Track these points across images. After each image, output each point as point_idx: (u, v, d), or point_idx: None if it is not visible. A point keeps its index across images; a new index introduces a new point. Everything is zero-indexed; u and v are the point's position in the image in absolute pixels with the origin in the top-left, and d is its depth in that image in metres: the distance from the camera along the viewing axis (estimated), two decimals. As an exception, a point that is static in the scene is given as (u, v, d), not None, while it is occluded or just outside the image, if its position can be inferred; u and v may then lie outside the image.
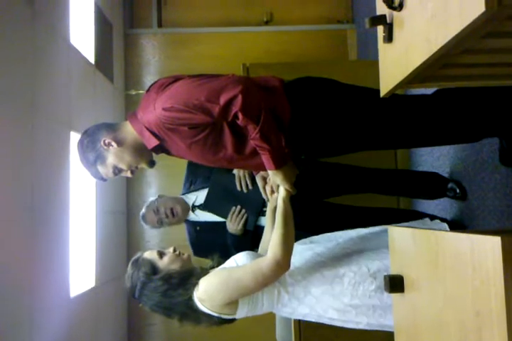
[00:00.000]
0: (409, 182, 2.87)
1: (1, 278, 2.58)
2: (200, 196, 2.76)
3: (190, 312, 1.74)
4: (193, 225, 2.78)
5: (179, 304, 1.73)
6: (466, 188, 2.77)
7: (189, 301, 1.72)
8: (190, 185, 2.81)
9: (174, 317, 1.79)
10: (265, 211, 2.57)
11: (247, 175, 2.60)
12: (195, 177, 2.80)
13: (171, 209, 2.68)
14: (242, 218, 2.61)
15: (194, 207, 2.76)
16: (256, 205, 2.61)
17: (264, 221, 2.57)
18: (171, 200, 2.74)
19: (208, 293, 1.69)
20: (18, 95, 2.88)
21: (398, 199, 3.45)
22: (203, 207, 2.72)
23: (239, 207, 2.62)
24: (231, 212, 2.62)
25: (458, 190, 2.79)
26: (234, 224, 2.61)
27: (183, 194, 2.82)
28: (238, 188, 2.61)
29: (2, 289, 2.58)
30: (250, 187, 2.60)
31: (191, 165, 2.84)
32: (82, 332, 3.68)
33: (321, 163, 2.80)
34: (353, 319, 1.75)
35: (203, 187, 2.76)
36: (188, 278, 1.76)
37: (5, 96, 2.71)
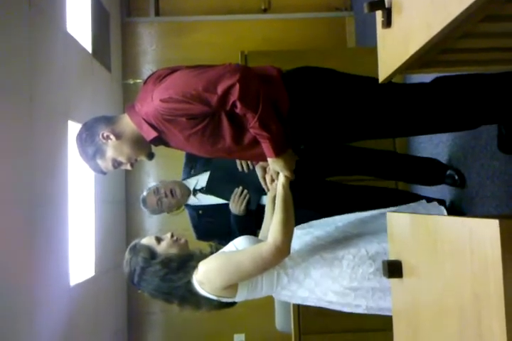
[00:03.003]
0: (408, 166, 2.87)
1: (2, 268, 2.59)
2: (200, 180, 2.77)
3: (190, 296, 1.74)
4: (195, 209, 2.79)
5: (179, 288, 1.74)
6: (465, 175, 2.77)
7: (188, 284, 1.72)
8: (191, 170, 2.82)
9: (174, 301, 1.79)
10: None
11: None
12: (194, 162, 2.82)
13: (170, 190, 2.70)
14: (244, 198, 2.62)
15: (195, 191, 2.77)
16: (258, 184, 2.61)
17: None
18: (171, 182, 2.77)
19: (207, 276, 1.69)
20: (15, 85, 2.87)
21: (396, 184, 3.45)
22: (205, 189, 2.73)
23: (241, 188, 2.63)
24: (233, 193, 2.63)
25: (456, 177, 2.79)
26: (237, 205, 2.62)
27: (184, 179, 2.83)
28: (239, 169, 2.62)
29: (3, 279, 2.58)
30: (251, 167, 2.60)
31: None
32: (82, 321, 3.70)
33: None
34: (351, 302, 1.75)
35: (204, 171, 2.77)
36: (187, 261, 1.77)
37: (2, 86, 2.70)
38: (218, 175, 2.70)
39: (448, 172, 2.83)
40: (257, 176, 2.45)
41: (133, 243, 1.90)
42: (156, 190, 2.71)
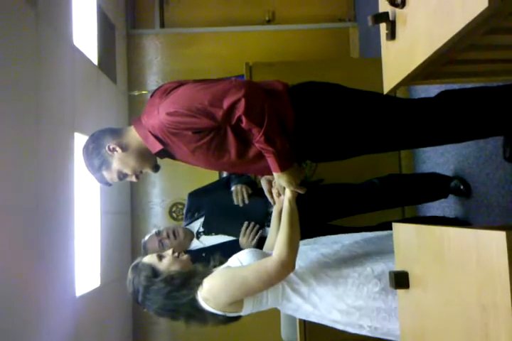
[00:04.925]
0: (412, 188, 2.81)
1: (9, 279, 2.59)
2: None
3: (196, 313, 1.72)
4: (199, 253, 2.71)
5: (184, 305, 1.72)
6: (470, 185, 2.76)
7: (193, 301, 1.70)
8: (194, 214, 2.79)
9: (180, 318, 1.77)
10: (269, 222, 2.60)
11: (244, 190, 2.61)
12: (197, 208, 2.79)
13: (173, 231, 2.67)
14: (256, 233, 2.57)
15: (198, 234, 2.74)
16: (259, 217, 2.59)
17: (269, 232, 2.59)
18: (174, 226, 2.76)
19: (212, 292, 1.68)
20: (22, 97, 2.89)
21: (403, 210, 3.41)
22: (204, 229, 2.71)
23: (252, 222, 2.58)
24: (244, 228, 2.58)
25: (462, 187, 2.78)
26: (248, 240, 2.56)
27: (187, 225, 2.80)
28: (235, 202, 2.62)
29: (10, 289, 2.59)
30: (246, 201, 2.61)
31: (192, 197, 2.85)
32: (87, 331, 3.69)
33: (322, 186, 2.79)
34: (356, 321, 1.73)
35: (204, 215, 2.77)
36: (190, 278, 1.75)
37: (9, 97, 2.72)
38: (214, 213, 2.69)
39: (452, 183, 2.81)
40: (257, 209, 2.47)
41: (135, 262, 1.88)
42: (157, 232, 2.68)
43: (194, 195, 2.85)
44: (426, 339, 1.30)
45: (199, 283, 1.71)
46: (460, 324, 1.09)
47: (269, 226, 2.50)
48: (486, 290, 0.98)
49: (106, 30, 4.58)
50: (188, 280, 1.74)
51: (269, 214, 2.57)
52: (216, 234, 2.70)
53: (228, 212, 2.66)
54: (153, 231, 2.78)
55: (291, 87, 1.94)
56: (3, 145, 2.62)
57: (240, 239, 2.60)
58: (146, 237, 2.75)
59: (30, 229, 2.89)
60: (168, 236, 2.67)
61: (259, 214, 2.60)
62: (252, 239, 2.56)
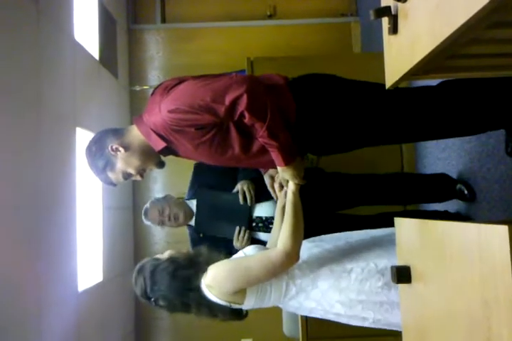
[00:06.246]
0: (419, 187, 2.83)
1: (11, 274, 2.60)
2: None
3: (203, 301, 1.73)
4: (197, 231, 2.78)
5: (192, 290, 1.72)
6: (473, 187, 2.75)
7: (199, 290, 1.71)
8: (196, 190, 2.82)
9: (191, 308, 1.77)
10: (259, 226, 2.66)
11: (251, 189, 2.64)
12: (201, 182, 2.81)
13: (174, 215, 2.71)
14: (244, 235, 2.64)
15: None
16: (243, 215, 2.67)
17: (262, 236, 2.63)
18: (177, 205, 2.76)
19: (216, 280, 1.69)
20: (23, 92, 2.89)
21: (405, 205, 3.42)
22: (197, 230, 2.75)
23: (243, 227, 2.64)
24: (236, 233, 2.64)
25: (466, 192, 2.76)
26: (241, 243, 2.63)
27: (188, 199, 2.82)
28: (241, 202, 2.64)
29: (12, 284, 2.60)
30: (254, 199, 2.65)
31: (197, 170, 2.86)
32: (89, 326, 3.70)
33: (328, 174, 2.80)
34: (359, 314, 1.74)
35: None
36: (194, 257, 1.77)
37: (11, 92, 2.72)
38: (205, 216, 2.73)
39: (457, 186, 2.80)
40: (239, 207, 2.54)
41: (137, 267, 1.86)
42: (161, 210, 2.71)
43: (200, 169, 2.85)
44: (428, 333, 1.31)
45: (204, 270, 1.73)
46: (462, 318, 1.09)
47: (258, 230, 2.64)
48: (488, 285, 0.98)
49: (107, 25, 4.58)
50: (192, 260, 1.77)
51: (258, 218, 2.63)
52: (210, 235, 2.73)
53: (216, 213, 2.71)
54: (159, 197, 2.81)
55: (291, 79, 1.94)
56: (4, 140, 2.62)
57: (234, 242, 2.66)
58: (148, 204, 2.78)
59: (32, 224, 2.89)
60: (169, 219, 2.72)
61: (243, 212, 2.66)
62: (245, 243, 2.61)
